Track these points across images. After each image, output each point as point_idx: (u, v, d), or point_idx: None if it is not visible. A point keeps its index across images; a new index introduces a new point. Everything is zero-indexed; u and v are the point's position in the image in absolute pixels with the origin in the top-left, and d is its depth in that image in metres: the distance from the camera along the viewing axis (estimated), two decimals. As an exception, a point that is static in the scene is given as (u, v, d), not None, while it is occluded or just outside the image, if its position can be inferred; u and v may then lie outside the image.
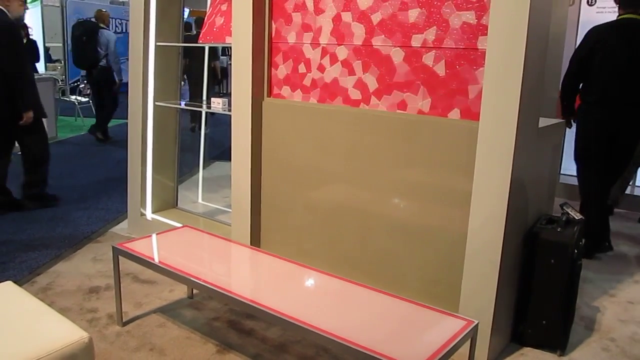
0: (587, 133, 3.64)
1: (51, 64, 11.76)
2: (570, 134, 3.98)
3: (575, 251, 2.48)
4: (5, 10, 4.07)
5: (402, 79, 2.53)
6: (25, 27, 8.85)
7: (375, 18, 2.56)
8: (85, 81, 10.14)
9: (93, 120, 8.32)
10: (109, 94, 7.23)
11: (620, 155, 3.58)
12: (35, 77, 7.31)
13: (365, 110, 2.67)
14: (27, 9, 4.45)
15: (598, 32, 3.57)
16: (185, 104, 4.01)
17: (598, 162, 3.64)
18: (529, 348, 2.57)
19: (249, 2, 2.87)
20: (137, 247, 2.62)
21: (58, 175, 5.46)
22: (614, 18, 3.65)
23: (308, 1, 2.80)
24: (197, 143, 4.78)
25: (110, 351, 2.44)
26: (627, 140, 3.51)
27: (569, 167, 4.98)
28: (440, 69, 2.40)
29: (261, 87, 3.03)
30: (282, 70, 2.98)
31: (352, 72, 2.69)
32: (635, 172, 4.69)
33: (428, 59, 2.43)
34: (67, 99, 9.24)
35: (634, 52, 3.45)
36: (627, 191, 4.87)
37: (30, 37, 8.97)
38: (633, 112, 3.51)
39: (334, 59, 2.75)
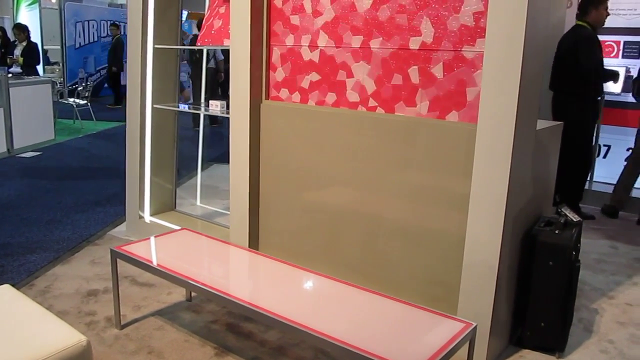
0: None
1: (49, 67, 11.76)
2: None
3: (574, 253, 2.48)
4: None
5: (400, 82, 2.53)
6: (26, 30, 8.85)
7: (373, 20, 2.57)
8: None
9: (92, 123, 8.30)
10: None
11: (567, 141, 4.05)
12: (34, 79, 7.35)
13: (363, 112, 2.67)
14: None
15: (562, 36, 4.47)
16: (189, 107, 4.02)
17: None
18: (527, 350, 2.57)
19: (247, 4, 2.88)
20: (135, 250, 2.62)
21: (56, 177, 5.47)
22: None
23: (306, 3, 2.80)
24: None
25: (109, 354, 2.44)
26: (568, 125, 4.09)
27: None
28: (438, 72, 2.41)
29: (259, 89, 3.03)
30: (280, 73, 2.99)
31: (350, 75, 2.69)
32: (638, 174, 4.71)
33: (426, 61, 2.43)
34: (66, 102, 9.21)
35: (566, 48, 4.30)
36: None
37: (30, 39, 8.96)
38: (564, 99, 4.35)
39: (332, 61, 2.75)
